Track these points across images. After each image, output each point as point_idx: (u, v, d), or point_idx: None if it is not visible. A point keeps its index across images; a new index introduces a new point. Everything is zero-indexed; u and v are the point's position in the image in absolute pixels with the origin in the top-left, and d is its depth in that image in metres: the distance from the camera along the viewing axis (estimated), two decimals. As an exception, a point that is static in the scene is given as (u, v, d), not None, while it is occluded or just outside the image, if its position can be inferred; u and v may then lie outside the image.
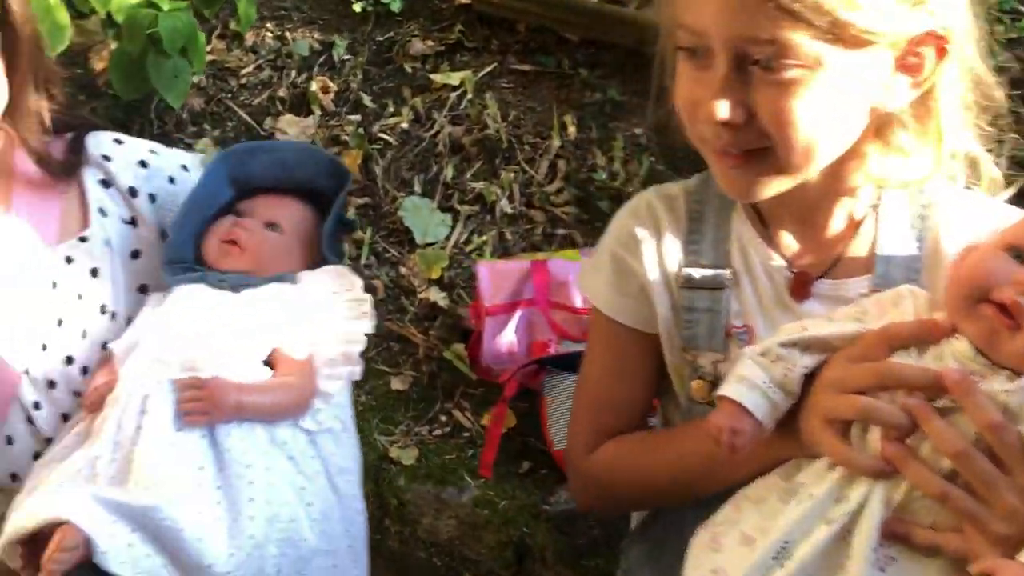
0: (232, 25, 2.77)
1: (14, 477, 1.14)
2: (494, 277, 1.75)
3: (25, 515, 0.97)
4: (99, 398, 1.05)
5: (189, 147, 2.51)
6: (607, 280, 1.02)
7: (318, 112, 2.53)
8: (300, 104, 2.57)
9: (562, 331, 1.68)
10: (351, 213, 2.26)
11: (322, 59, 2.63)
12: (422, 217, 2.25)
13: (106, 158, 1.17)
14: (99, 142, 1.18)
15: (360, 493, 1.09)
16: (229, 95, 2.62)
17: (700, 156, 0.96)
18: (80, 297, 1.13)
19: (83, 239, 1.14)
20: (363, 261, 2.19)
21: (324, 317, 1.10)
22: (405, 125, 2.43)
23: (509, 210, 2.22)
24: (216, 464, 1.00)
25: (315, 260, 1.19)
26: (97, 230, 1.15)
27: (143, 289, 1.19)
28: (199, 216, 1.18)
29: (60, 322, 1.12)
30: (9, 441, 1.13)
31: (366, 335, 1.10)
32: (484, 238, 2.18)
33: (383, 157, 2.40)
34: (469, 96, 2.44)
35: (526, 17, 2.54)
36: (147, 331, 1.09)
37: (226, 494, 0.99)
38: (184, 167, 1.23)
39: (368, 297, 1.12)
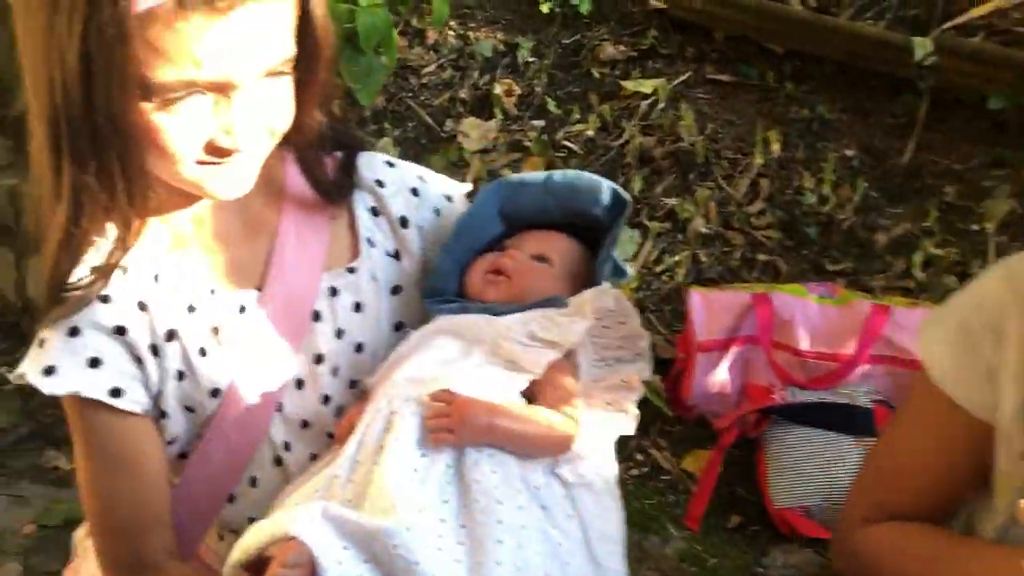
0: (415, 22, 2.71)
1: (252, 522, 1.05)
2: (710, 308, 1.60)
3: (252, 533, 0.89)
4: (350, 428, 0.97)
5: (370, 145, 2.46)
6: (950, 347, 0.86)
7: (500, 115, 2.44)
8: (482, 106, 2.49)
9: (785, 375, 1.52)
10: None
11: (506, 60, 2.55)
12: (609, 232, 2.13)
13: (379, 183, 1.07)
14: (372, 164, 1.08)
15: (625, 571, 0.96)
16: (410, 94, 2.56)
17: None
18: (340, 334, 1.04)
19: (351, 270, 1.04)
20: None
21: (592, 355, 0.99)
22: (591, 133, 2.31)
23: (704, 230, 2.07)
24: (461, 499, 0.89)
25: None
26: (365, 262, 1.05)
27: (399, 327, 1.08)
28: (466, 248, 1.08)
29: (319, 358, 1.03)
30: (253, 483, 1.04)
31: (642, 381, 0.98)
32: (676, 258, 2.04)
33: (567, 166, 2.29)
34: (661, 105, 2.30)
35: (725, 25, 2.39)
36: (402, 355, 1.01)
37: (470, 533, 0.88)
38: (448, 198, 1.11)
39: (646, 335, 1.01)
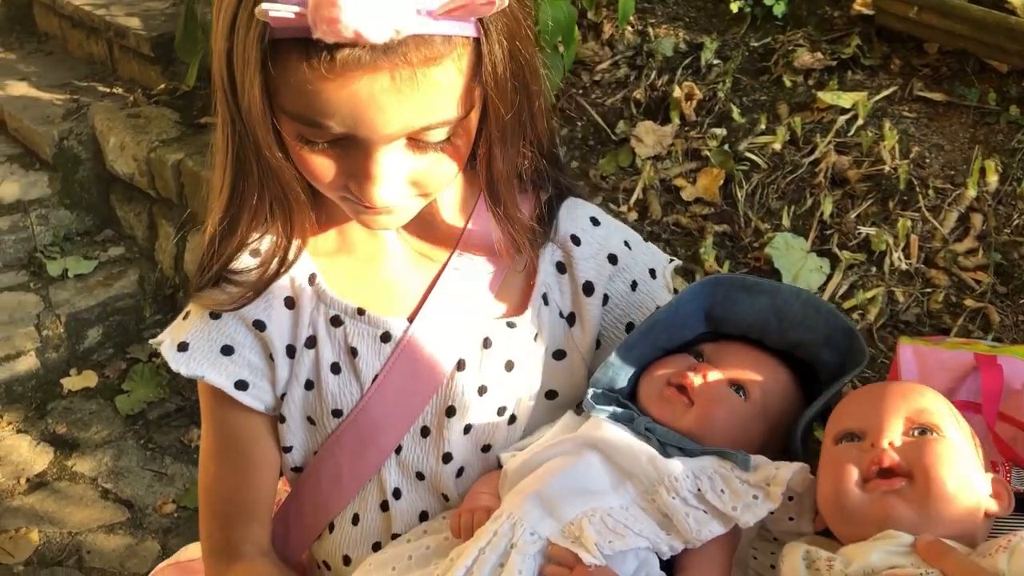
0: (591, 15, 2.57)
1: (347, 560, 0.98)
2: (923, 364, 1.39)
3: None
4: (468, 527, 0.85)
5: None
6: None
7: (677, 120, 2.27)
8: (658, 109, 2.33)
9: (1011, 453, 1.31)
10: (709, 241, 2.00)
11: (687, 61, 2.37)
12: (793, 258, 1.94)
13: (575, 240, 0.96)
14: (575, 217, 0.97)
15: None
16: (581, 91, 2.42)
17: None
18: (482, 392, 0.94)
19: (511, 324, 0.94)
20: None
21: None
22: (778, 146, 2.12)
23: (903, 265, 1.86)
24: None
25: (777, 446, 0.90)
26: (531, 318, 0.94)
27: (551, 395, 0.97)
28: (655, 345, 0.94)
29: (450, 410, 0.94)
30: (355, 520, 0.97)
31: None
32: (870, 294, 1.83)
33: (748, 180, 2.10)
34: (860, 122, 2.09)
35: (941, 37, 2.15)
36: (545, 459, 0.86)
37: None
38: (652, 272, 1.00)
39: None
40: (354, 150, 0.78)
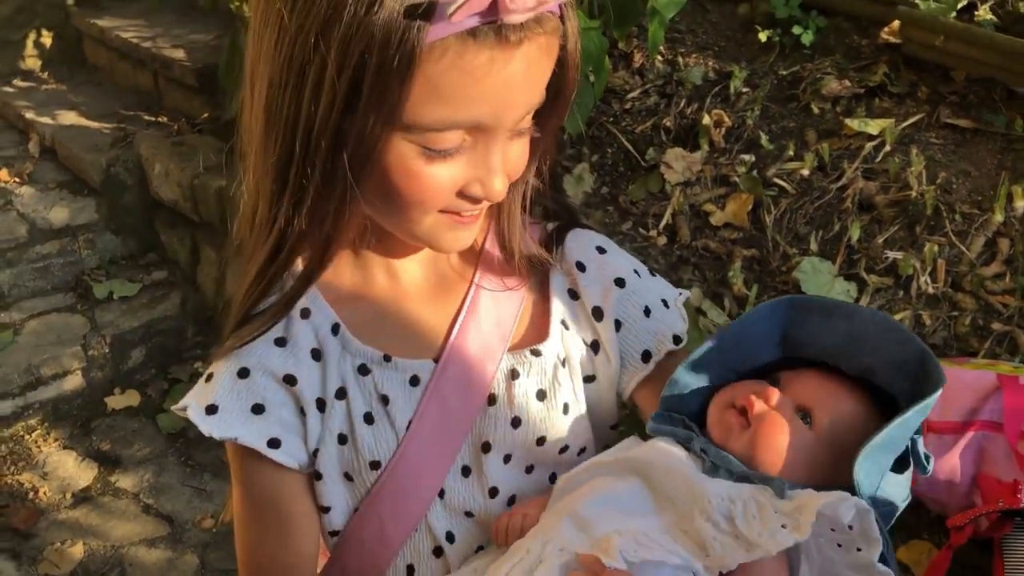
0: (621, 44, 2.63)
1: None
2: (947, 385, 1.42)
3: None
4: (503, 532, 0.87)
5: (567, 170, 2.40)
6: None
7: (706, 147, 2.32)
8: (687, 136, 2.37)
9: (1033, 471, 1.34)
10: (737, 265, 2.03)
11: (716, 89, 2.42)
12: (820, 282, 1.96)
13: (580, 266, 0.96)
14: (581, 246, 0.97)
15: None
16: (611, 119, 2.48)
17: None
18: (516, 424, 0.93)
19: (535, 352, 0.93)
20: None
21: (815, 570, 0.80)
22: (806, 172, 2.15)
23: (930, 289, 1.88)
24: None
25: (837, 478, 0.83)
26: (555, 345, 0.94)
27: (587, 415, 0.96)
28: (723, 363, 0.91)
29: (486, 447, 0.93)
30: (410, 572, 0.96)
31: None
32: (897, 318, 1.85)
33: (776, 206, 2.14)
34: (888, 148, 2.12)
35: (968, 64, 2.18)
36: (588, 478, 0.86)
37: None
38: (664, 303, 0.98)
39: None
40: (476, 148, 0.78)
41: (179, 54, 3.29)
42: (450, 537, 0.94)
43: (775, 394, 0.86)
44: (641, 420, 0.98)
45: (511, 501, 0.94)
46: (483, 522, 0.94)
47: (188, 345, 2.94)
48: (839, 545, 0.79)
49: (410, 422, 0.90)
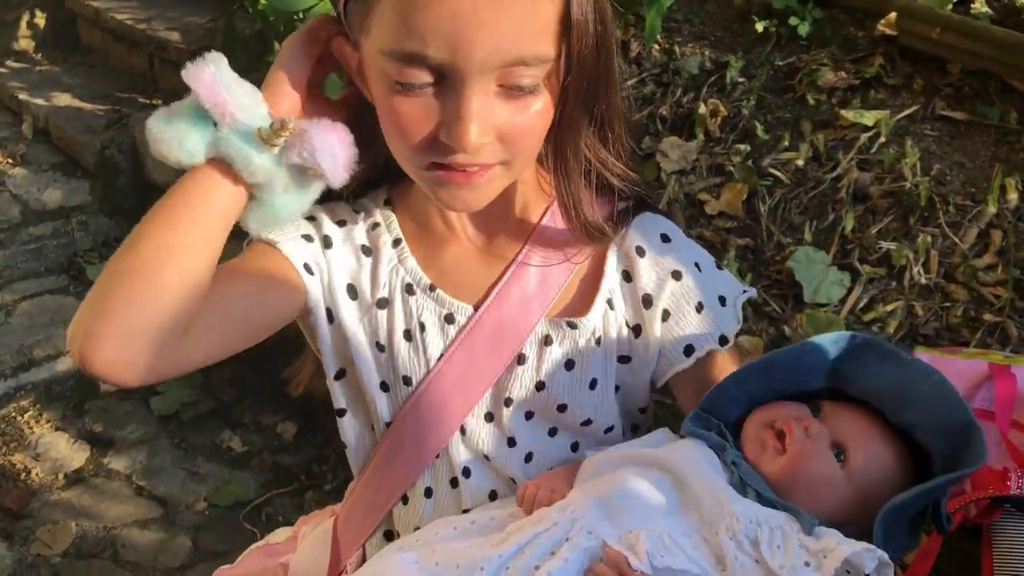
0: (618, 33, 2.63)
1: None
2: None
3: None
4: (530, 501, 0.89)
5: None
6: None
7: (702, 136, 2.32)
8: (683, 125, 2.38)
9: (1023, 460, 1.35)
10: (731, 254, 2.04)
11: (713, 79, 2.43)
12: (814, 272, 1.97)
13: (640, 251, 0.98)
14: (646, 231, 0.99)
15: None
16: (608, 107, 2.48)
17: None
18: (540, 387, 0.97)
19: (572, 324, 0.96)
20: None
21: None
22: (801, 163, 2.16)
23: (923, 280, 1.89)
24: None
25: (856, 519, 0.85)
26: (595, 321, 0.96)
27: (616, 389, 0.99)
28: (769, 383, 0.92)
29: (507, 402, 0.97)
30: (428, 494, 1.01)
31: None
32: (889, 308, 1.87)
33: (771, 195, 2.15)
34: (882, 140, 2.13)
35: (963, 57, 2.19)
36: (619, 465, 0.88)
37: None
38: (722, 300, 0.98)
39: None
40: (448, 93, 0.80)
41: (174, 36, 3.28)
42: (466, 472, 0.98)
43: (815, 425, 0.87)
44: (672, 408, 0.99)
45: (528, 458, 0.97)
46: (498, 468, 0.98)
47: (181, 328, 2.93)
48: None
49: (441, 356, 0.95)
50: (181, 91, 0.88)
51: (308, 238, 0.96)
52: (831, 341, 0.91)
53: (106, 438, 2.58)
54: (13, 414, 2.64)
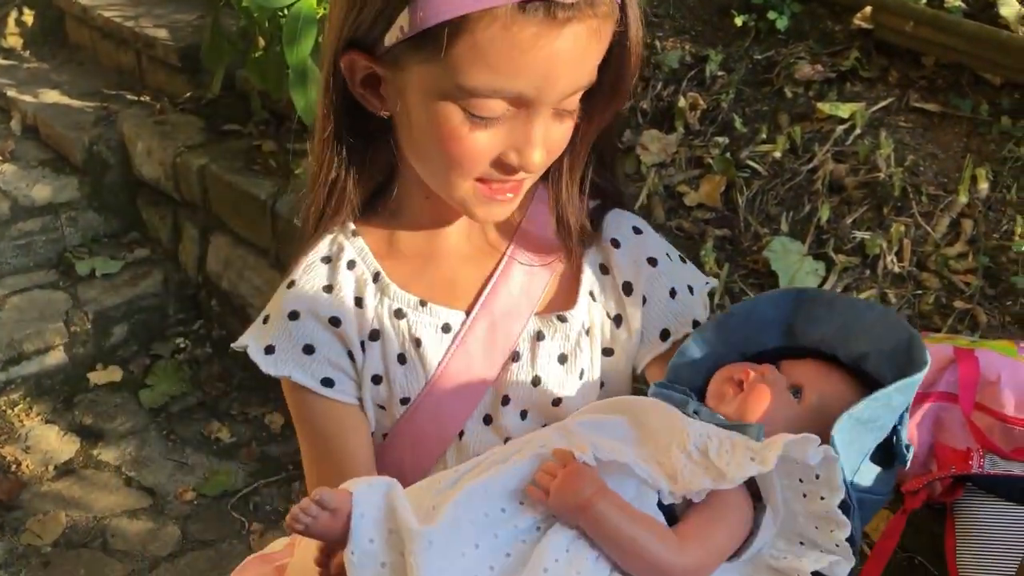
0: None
1: None
2: (905, 357, 1.48)
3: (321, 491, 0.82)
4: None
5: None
6: None
7: (682, 129, 2.36)
8: (663, 118, 2.42)
9: (985, 440, 1.39)
10: (709, 244, 2.08)
11: (692, 73, 2.46)
12: (790, 261, 2.01)
13: (615, 243, 1.01)
14: (618, 223, 1.03)
15: None
16: (590, 101, 2.51)
17: None
18: (536, 383, 0.99)
19: (562, 318, 0.99)
20: (716, 301, 1.99)
21: (780, 524, 0.84)
22: (778, 155, 2.20)
23: (896, 269, 1.94)
24: (522, 566, 0.78)
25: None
26: (581, 314, 0.99)
27: (601, 386, 1.02)
28: (728, 340, 0.97)
29: (505, 399, 0.99)
30: None
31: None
32: (863, 296, 1.91)
33: (748, 187, 2.18)
34: (858, 132, 2.17)
35: (937, 50, 2.23)
36: (580, 414, 0.92)
37: None
38: (690, 289, 1.03)
39: (847, 526, 0.82)
40: (519, 118, 0.82)
41: (162, 33, 3.30)
42: None
43: (771, 370, 0.92)
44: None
45: None
46: None
47: (170, 322, 2.96)
48: (804, 496, 0.83)
49: (439, 364, 0.97)
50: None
51: (309, 349, 0.97)
52: (779, 296, 0.97)
53: (96, 430, 2.61)
54: (4, 407, 2.67)
